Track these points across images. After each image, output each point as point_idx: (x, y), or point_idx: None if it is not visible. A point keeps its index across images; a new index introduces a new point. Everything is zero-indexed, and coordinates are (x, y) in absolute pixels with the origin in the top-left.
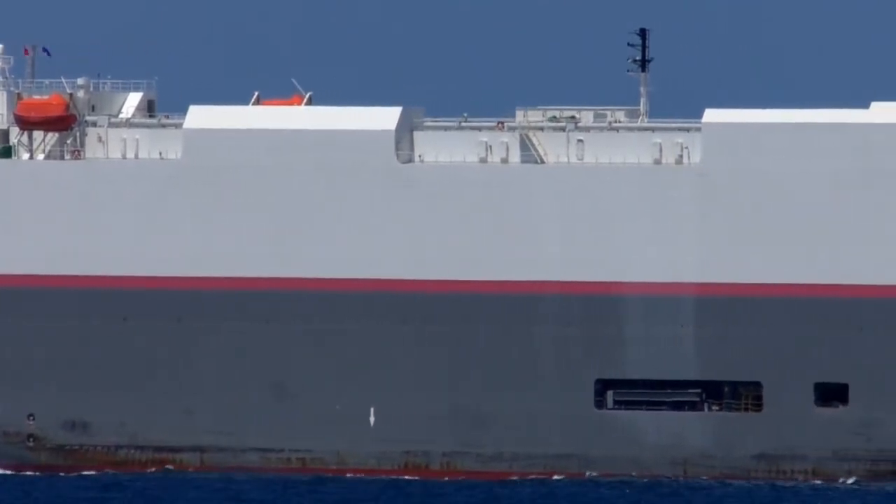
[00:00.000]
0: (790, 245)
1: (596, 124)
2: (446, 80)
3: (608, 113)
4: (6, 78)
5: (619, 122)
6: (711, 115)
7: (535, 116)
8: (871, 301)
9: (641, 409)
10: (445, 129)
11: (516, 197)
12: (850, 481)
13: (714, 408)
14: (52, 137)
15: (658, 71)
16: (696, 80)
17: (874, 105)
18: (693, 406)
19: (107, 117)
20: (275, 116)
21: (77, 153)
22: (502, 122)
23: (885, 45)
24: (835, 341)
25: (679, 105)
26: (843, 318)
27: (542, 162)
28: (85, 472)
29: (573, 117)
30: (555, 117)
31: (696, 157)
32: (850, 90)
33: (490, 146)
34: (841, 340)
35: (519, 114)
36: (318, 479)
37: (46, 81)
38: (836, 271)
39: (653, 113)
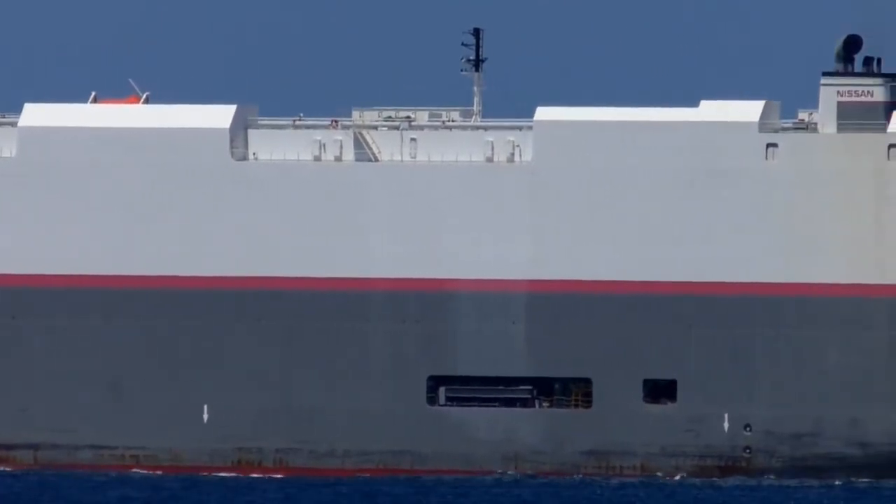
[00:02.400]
0: (620, 243)
1: (429, 123)
2: (283, 81)
3: (443, 113)
4: None
5: (453, 121)
6: (543, 114)
7: (370, 117)
8: (698, 298)
9: (473, 406)
10: (280, 127)
11: (350, 195)
12: (677, 478)
13: (545, 404)
14: None
15: (492, 70)
16: (530, 79)
17: (703, 104)
18: (524, 403)
19: None
20: (111, 114)
21: None
22: (336, 121)
23: (715, 45)
24: (663, 338)
25: (513, 104)
26: (671, 315)
27: (376, 160)
28: None
29: (408, 117)
30: (390, 117)
31: (527, 156)
32: (680, 89)
33: (324, 144)
34: (669, 337)
35: (355, 114)
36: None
37: None
38: (666, 269)
39: (487, 112)
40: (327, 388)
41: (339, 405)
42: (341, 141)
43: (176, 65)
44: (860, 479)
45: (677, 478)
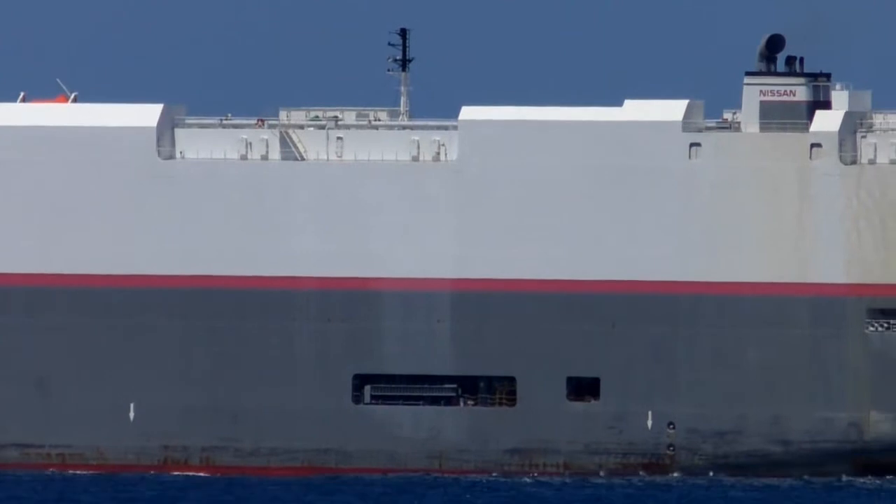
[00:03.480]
0: (544, 241)
1: (355, 122)
2: (211, 80)
3: (370, 113)
4: None
5: (380, 120)
6: (468, 113)
7: (298, 117)
8: (622, 296)
9: (398, 404)
10: (207, 126)
11: (276, 193)
12: (602, 474)
13: (469, 402)
14: None
15: (419, 70)
16: (457, 79)
17: (627, 103)
18: (449, 401)
19: None
20: (39, 114)
21: None
22: (263, 120)
23: (639, 45)
24: (587, 336)
25: (439, 104)
26: (595, 313)
27: (302, 159)
28: None
29: (336, 117)
30: (317, 117)
31: (452, 155)
32: (604, 89)
33: (250, 143)
34: (593, 335)
35: (282, 114)
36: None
37: None
38: (589, 267)
39: (414, 112)
40: (253, 387)
41: (265, 403)
42: (267, 140)
43: (104, 64)
44: (784, 477)
45: (602, 474)
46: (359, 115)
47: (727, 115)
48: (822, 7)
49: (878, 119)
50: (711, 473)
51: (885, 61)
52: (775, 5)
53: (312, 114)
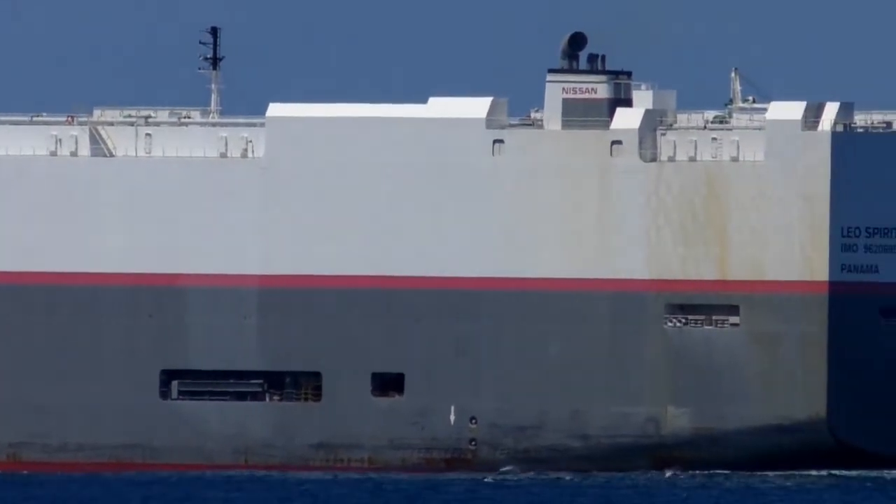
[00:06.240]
0: (350, 238)
1: (164, 120)
2: (23, 79)
3: (183, 112)
4: None
5: (189, 117)
6: (275, 110)
7: (112, 115)
8: (425, 292)
9: (205, 400)
10: (16, 123)
11: (84, 189)
12: (404, 471)
13: (275, 398)
14: None
15: (229, 69)
16: (267, 77)
17: (432, 101)
18: (255, 396)
19: None
20: None
21: None
22: (73, 117)
23: (445, 43)
24: (391, 332)
25: (251, 102)
26: (398, 309)
27: (112, 156)
28: None
29: (148, 116)
30: (130, 115)
31: (260, 151)
32: (411, 86)
33: (60, 140)
34: (397, 331)
35: (97, 113)
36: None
37: None
38: (393, 264)
39: (226, 110)
40: (60, 382)
41: (73, 399)
42: (77, 137)
43: None
44: (584, 472)
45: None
46: (171, 115)
47: (534, 114)
48: (627, 7)
49: (683, 118)
50: (511, 468)
51: (691, 62)
52: (578, 4)
53: (126, 113)
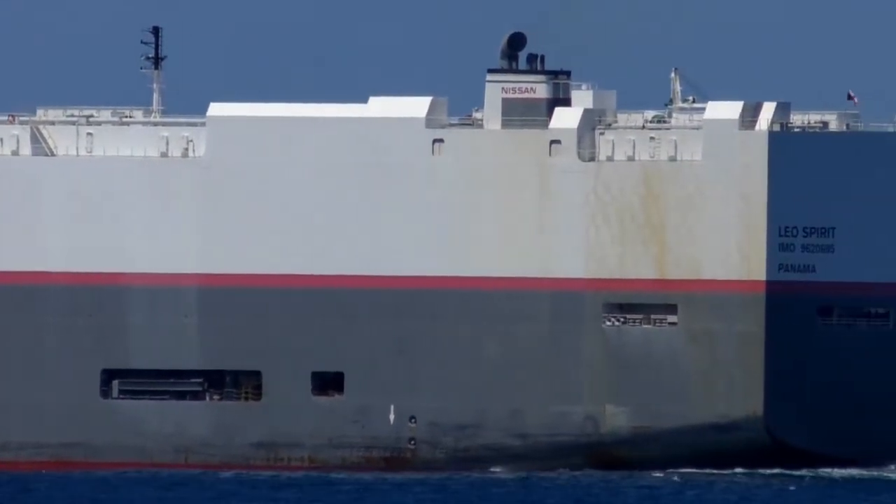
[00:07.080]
0: (289, 237)
1: (106, 119)
2: None
3: (124, 111)
4: None
5: (130, 117)
6: (216, 109)
7: (55, 115)
8: (364, 291)
9: (145, 399)
10: None
11: (25, 188)
12: (342, 470)
13: (215, 397)
14: None
15: (171, 68)
16: (209, 77)
17: (372, 100)
18: (195, 395)
19: None
20: None
21: None
22: (14, 116)
23: (385, 43)
24: (330, 331)
25: (192, 101)
26: (338, 308)
27: (53, 154)
28: None
29: (91, 115)
30: (73, 115)
31: (200, 151)
32: (350, 86)
33: (1, 139)
34: (336, 330)
35: (40, 112)
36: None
37: None
38: (333, 262)
39: (168, 109)
40: (1, 381)
41: (13, 398)
42: (18, 136)
43: None
44: (520, 470)
45: (342, 469)
46: (113, 114)
47: (475, 114)
48: (568, 7)
49: (623, 118)
50: (451, 466)
51: (632, 62)
52: (518, 3)
53: (68, 112)
